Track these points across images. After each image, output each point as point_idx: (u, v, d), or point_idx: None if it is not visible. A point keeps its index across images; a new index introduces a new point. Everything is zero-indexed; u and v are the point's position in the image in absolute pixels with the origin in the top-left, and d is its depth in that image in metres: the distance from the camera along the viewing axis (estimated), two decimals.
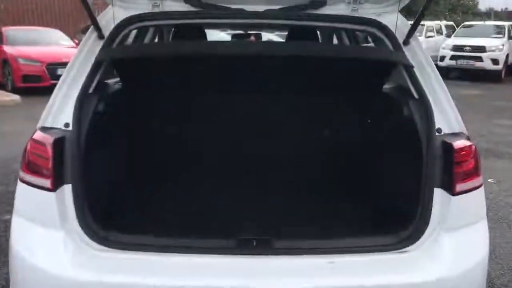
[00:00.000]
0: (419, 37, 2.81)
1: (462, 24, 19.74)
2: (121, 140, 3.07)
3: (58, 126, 2.31)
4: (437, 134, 2.38)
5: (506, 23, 18.51)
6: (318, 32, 4.25)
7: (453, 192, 2.27)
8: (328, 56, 2.57)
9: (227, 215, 2.74)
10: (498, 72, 16.47)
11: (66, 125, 2.30)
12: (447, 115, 2.44)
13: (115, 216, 2.64)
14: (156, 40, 4.31)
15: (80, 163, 2.26)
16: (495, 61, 16.41)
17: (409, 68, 2.51)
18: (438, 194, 2.30)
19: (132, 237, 2.27)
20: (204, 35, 3.35)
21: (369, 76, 2.92)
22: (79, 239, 2.19)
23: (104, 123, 2.54)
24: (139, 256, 2.17)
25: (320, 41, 4.32)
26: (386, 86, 3.08)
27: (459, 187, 2.27)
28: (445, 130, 2.41)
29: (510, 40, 17.35)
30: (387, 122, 2.99)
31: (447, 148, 2.31)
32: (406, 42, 2.58)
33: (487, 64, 16.30)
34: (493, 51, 16.47)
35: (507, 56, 16.92)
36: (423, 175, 2.33)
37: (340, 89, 3.09)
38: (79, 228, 2.20)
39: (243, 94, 3.18)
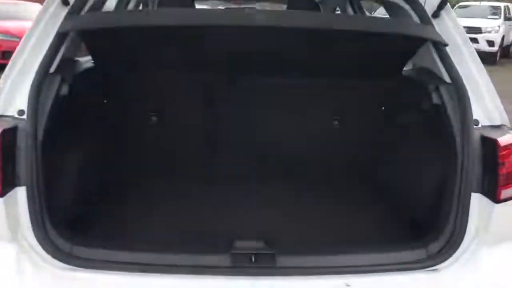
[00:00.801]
0: None
1: (458, 5, 19.30)
2: (92, 132, 2.58)
3: (10, 114, 1.87)
4: (474, 127, 1.96)
5: (502, 4, 18.12)
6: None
7: (496, 199, 1.87)
8: (344, 29, 2.12)
9: (221, 225, 2.32)
10: (493, 54, 16.09)
11: (20, 112, 1.86)
12: (486, 103, 2.03)
13: (83, 226, 2.19)
14: (141, 8, 3.75)
15: (37, 160, 1.81)
16: (490, 43, 16.04)
17: (441, 47, 2.08)
18: (477, 200, 1.90)
19: (104, 253, 1.84)
20: (193, 5, 2.87)
21: (389, 55, 2.46)
22: (36, 255, 1.76)
23: (70, 110, 2.07)
24: (112, 278, 1.75)
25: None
26: (406, 68, 2.64)
27: (504, 193, 1.86)
28: (484, 122, 2.01)
29: (506, 22, 16.98)
30: (410, 111, 2.56)
31: (489, 144, 1.90)
32: (436, 14, 2.14)
33: (483, 46, 15.87)
34: (489, 32, 16.10)
35: (503, 37, 16.57)
36: (457, 177, 1.92)
37: (350, 71, 2.62)
38: (35, 242, 1.76)
39: (242, 77, 2.68)
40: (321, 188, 2.75)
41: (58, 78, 1.99)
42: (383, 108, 2.76)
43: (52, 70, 1.98)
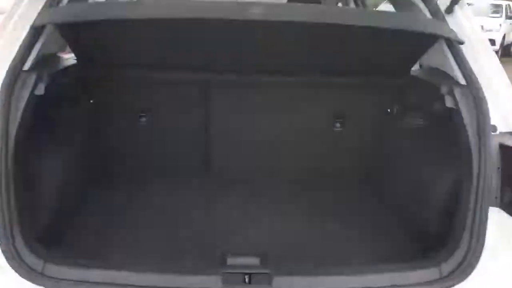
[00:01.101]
0: None
1: None
2: (74, 136, 2.39)
3: None
4: (491, 133, 1.78)
5: (503, 2, 17.92)
6: None
7: None
8: (350, 24, 1.92)
9: (212, 238, 2.13)
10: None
11: None
12: (504, 107, 1.84)
13: (59, 240, 2.00)
14: None
15: (7, 168, 1.63)
16: (491, 42, 15.80)
17: (455, 45, 1.89)
18: (495, 215, 1.72)
19: (80, 272, 1.64)
20: None
21: (397, 53, 2.27)
22: (3, 275, 1.57)
23: (47, 113, 1.88)
24: None
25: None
26: (414, 69, 2.46)
27: None
28: (502, 129, 1.83)
29: (508, 20, 16.79)
30: (420, 115, 2.38)
31: (509, 153, 1.72)
32: (449, 9, 1.96)
33: None
34: (490, 31, 15.88)
35: (504, 36, 16.39)
36: (472, 189, 1.74)
37: (354, 69, 2.43)
38: (3, 261, 1.57)
39: (238, 76, 2.47)
40: (322, 198, 2.56)
41: (33, 77, 1.79)
42: (388, 110, 2.57)
43: (26, 67, 1.78)
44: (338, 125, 2.62)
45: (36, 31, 1.82)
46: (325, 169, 2.71)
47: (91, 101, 2.51)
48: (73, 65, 2.32)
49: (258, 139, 2.63)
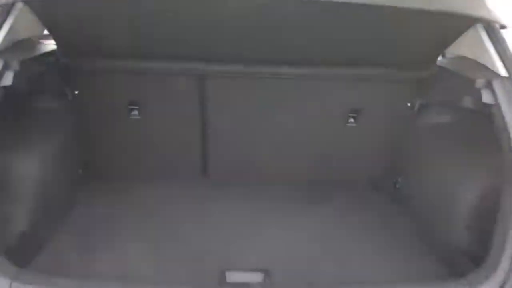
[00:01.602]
0: None
1: None
2: (54, 133, 2.10)
3: None
4: None
5: None
6: None
7: None
8: (370, 4, 1.63)
9: (210, 250, 1.87)
10: None
11: None
12: None
13: (32, 253, 1.74)
14: None
15: None
16: None
17: (495, 30, 1.62)
18: None
19: None
20: None
21: (424, 39, 1.97)
22: None
23: (18, 106, 1.61)
24: None
25: None
26: (441, 59, 2.18)
27: None
28: None
29: None
30: (448, 110, 2.10)
31: None
32: None
33: None
34: None
35: None
36: (509, 196, 1.49)
37: (372, 58, 2.13)
38: None
39: (241, 66, 2.15)
40: (332, 204, 2.29)
41: None
42: (409, 104, 2.28)
43: None
44: (351, 120, 2.34)
45: (3, 9, 1.54)
46: (336, 170, 2.44)
47: (76, 92, 2.22)
48: (52, 52, 2.04)
49: (260, 137, 2.35)
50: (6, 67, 1.55)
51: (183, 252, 1.88)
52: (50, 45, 2.09)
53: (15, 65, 1.59)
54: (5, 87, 1.55)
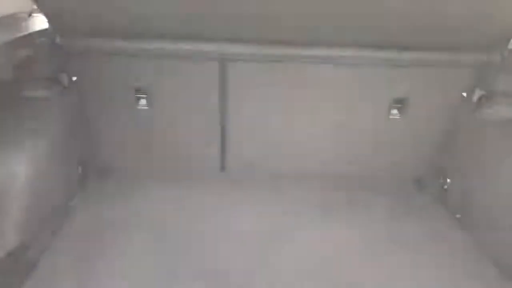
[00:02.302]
0: None
1: None
2: (39, 127, 1.77)
3: None
4: None
5: None
6: None
7: None
8: None
9: (229, 267, 1.57)
10: None
11: None
12: None
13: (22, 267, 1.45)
14: None
15: None
16: None
17: None
18: None
19: None
20: None
21: (494, 17, 1.61)
22: None
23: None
24: None
25: None
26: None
27: None
28: None
29: None
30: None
31: None
32: None
33: None
34: None
35: None
36: None
37: (424, 40, 1.77)
38: None
39: (266, 47, 1.81)
40: (370, 208, 1.97)
41: None
42: (465, 95, 1.93)
43: None
44: (395, 112, 2.00)
45: None
46: (373, 169, 2.12)
47: (74, 79, 1.89)
48: (43, 31, 1.69)
49: (284, 128, 2.02)
50: None
51: (198, 272, 1.58)
52: (41, 22, 1.75)
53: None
54: None
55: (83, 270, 1.54)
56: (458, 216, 1.91)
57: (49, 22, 1.72)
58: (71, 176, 1.92)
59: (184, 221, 1.82)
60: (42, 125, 1.71)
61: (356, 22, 1.63)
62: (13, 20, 1.59)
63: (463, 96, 1.93)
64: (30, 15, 1.77)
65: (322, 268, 1.61)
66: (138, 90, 1.95)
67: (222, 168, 2.14)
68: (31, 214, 1.52)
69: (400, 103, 1.97)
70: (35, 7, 1.61)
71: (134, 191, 1.99)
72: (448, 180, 2.02)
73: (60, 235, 1.72)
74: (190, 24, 1.66)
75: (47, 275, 1.52)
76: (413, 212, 1.99)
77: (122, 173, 2.11)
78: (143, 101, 1.99)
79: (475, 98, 1.88)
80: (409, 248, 1.74)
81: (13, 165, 1.49)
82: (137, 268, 1.57)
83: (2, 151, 1.47)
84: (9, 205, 1.46)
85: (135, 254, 1.63)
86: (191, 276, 1.53)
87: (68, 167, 1.88)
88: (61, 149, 1.79)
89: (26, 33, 1.60)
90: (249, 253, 1.67)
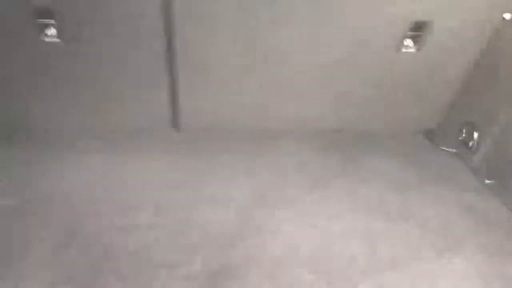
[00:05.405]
0: None
1: None
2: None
3: None
4: None
5: None
6: None
7: None
8: None
9: None
10: None
11: None
12: None
13: None
14: None
15: None
16: None
17: None
18: None
19: None
20: None
21: None
22: None
23: None
24: None
25: None
26: None
27: None
28: None
29: None
30: None
31: None
32: None
33: None
34: None
35: None
36: None
37: None
38: None
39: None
40: (377, 171, 1.60)
41: None
42: (506, 16, 1.54)
43: None
44: (409, 42, 1.61)
45: None
46: (379, 117, 1.73)
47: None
48: None
49: (260, 67, 1.64)
50: None
51: None
52: None
53: None
54: None
55: None
56: (488, 181, 1.52)
57: None
58: None
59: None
60: None
61: None
62: None
63: (504, 19, 1.52)
64: None
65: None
66: (41, 14, 1.48)
67: (174, 123, 1.73)
68: None
69: (417, 29, 1.57)
70: None
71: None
72: (476, 135, 1.62)
73: None
74: None
75: None
76: (427, 177, 1.61)
77: (31, 134, 1.70)
78: (51, 31, 1.52)
79: None
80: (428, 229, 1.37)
81: None
82: None
83: None
84: None
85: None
86: None
87: None
88: None
89: None
90: None
